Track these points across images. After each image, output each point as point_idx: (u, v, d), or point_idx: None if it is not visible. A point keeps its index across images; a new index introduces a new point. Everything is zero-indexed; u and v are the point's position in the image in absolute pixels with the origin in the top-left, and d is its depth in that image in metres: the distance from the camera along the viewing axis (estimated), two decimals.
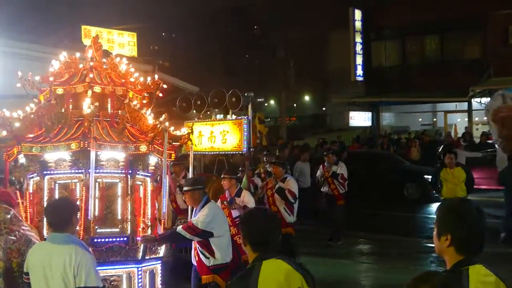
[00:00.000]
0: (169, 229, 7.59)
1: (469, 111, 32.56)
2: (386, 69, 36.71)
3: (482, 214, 3.57)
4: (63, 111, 6.88)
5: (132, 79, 7.41)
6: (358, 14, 35.94)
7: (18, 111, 6.73)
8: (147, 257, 6.94)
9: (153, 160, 7.07)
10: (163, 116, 7.33)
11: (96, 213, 6.50)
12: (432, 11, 31.98)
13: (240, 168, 12.88)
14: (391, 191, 21.00)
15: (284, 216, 11.38)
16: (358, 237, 15.53)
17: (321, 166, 14.90)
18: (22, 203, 6.81)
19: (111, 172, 6.71)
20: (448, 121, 35.93)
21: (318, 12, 37.53)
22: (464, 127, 30.68)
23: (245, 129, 11.69)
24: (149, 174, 7.10)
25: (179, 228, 7.35)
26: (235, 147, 11.92)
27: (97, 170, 6.48)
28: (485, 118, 17.40)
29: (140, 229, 6.83)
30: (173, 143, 7.38)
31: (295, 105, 55.63)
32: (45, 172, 6.57)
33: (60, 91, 6.93)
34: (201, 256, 7.71)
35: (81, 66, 7.23)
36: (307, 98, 57.01)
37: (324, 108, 49.27)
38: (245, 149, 11.78)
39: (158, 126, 6.91)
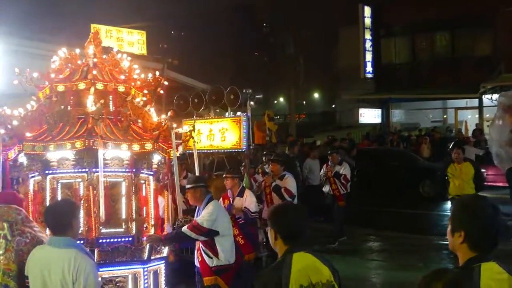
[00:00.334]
0: (173, 230, 7.50)
1: (480, 107, 32.38)
2: (396, 65, 36.52)
3: (497, 211, 3.55)
4: (64, 108, 6.74)
5: (135, 76, 7.30)
6: (367, 10, 35.82)
7: (19, 109, 6.63)
8: (152, 257, 6.84)
9: (156, 158, 6.96)
10: (169, 113, 7.24)
11: (101, 213, 6.38)
12: (442, 7, 31.79)
13: (242, 164, 12.75)
14: (406, 188, 20.84)
15: None
16: (369, 234, 15.45)
17: (325, 165, 14.72)
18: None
19: (115, 171, 6.58)
20: (458, 117, 35.74)
21: (328, 9, 37.46)
22: (475, 124, 30.48)
23: (244, 127, 11.54)
24: (152, 173, 6.99)
25: (184, 228, 7.24)
26: (235, 144, 11.79)
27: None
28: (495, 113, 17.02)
29: (144, 228, 6.74)
30: (176, 141, 7.26)
31: (304, 102, 55.69)
32: (47, 172, 6.45)
33: (61, 88, 6.79)
34: (204, 256, 7.61)
35: (79, 62, 7.11)
36: (316, 95, 57.00)
37: (333, 105, 49.13)
38: (244, 147, 11.65)
39: (163, 123, 6.82)
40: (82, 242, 5.78)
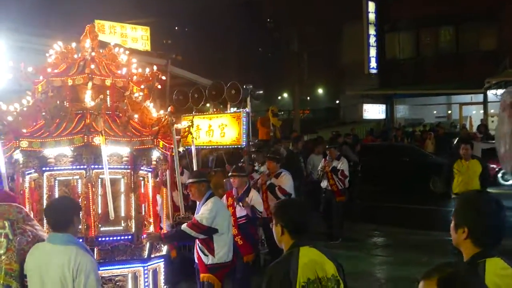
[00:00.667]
0: (173, 228, 7.42)
1: (485, 103, 32.23)
2: (400, 61, 36.41)
3: (501, 207, 3.55)
4: (60, 103, 6.58)
5: (134, 70, 7.19)
6: (371, 6, 35.70)
7: (15, 104, 6.52)
8: (152, 256, 6.74)
9: (155, 154, 6.84)
10: (169, 108, 7.15)
11: (99, 211, 6.31)
12: (447, 2, 31.64)
13: (242, 160, 12.65)
14: (416, 184, 20.73)
15: None
16: (373, 230, 15.44)
17: (323, 160, 14.59)
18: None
19: (114, 168, 6.46)
20: (463, 113, 35.69)
21: (332, 4, 37.29)
22: (480, 119, 30.39)
23: (244, 123, 11.42)
24: (151, 170, 6.88)
25: (184, 226, 7.17)
26: (234, 140, 11.67)
27: (100, 166, 6.23)
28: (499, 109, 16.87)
29: (143, 226, 6.65)
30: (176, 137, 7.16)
31: (308, 98, 55.54)
32: (44, 168, 6.33)
33: (58, 82, 6.66)
34: (200, 253, 7.55)
35: (76, 56, 6.99)
36: (320, 91, 56.92)
37: (337, 101, 49.11)
38: (244, 143, 11.53)
39: (163, 119, 6.72)
40: (80, 240, 5.70)
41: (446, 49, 35.00)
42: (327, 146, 15.12)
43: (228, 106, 12.49)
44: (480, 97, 32.39)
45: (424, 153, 23.20)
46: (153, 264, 6.80)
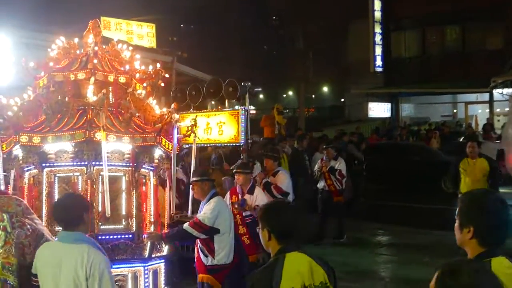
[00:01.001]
0: (175, 227, 7.32)
1: (491, 102, 32.18)
2: (406, 59, 36.27)
3: (506, 206, 3.50)
4: (62, 99, 6.45)
5: (137, 67, 7.11)
6: (377, 4, 35.59)
7: (16, 99, 6.44)
8: (153, 256, 6.66)
9: (157, 152, 6.75)
10: (172, 105, 7.08)
11: (100, 209, 6.24)
12: (453, 0, 31.50)
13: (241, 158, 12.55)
14: (428, 183, 20.57)
15: None
16: (378, 228, 15.40)
17: (319, 160, 14.34)
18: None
19: (115, 165, 6.38)
20: (468, 112, 35.65)
21: (337, 2, 37.20)
22: (486, 118, 30.29)
23: (242, 120, 11.32)
24: (153, 168, 6.79)
25: (186, 226, 7.05)
26: (232, 138, 11.54)
27: (101, 163, 6.13)
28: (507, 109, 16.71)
29: (144, 225, 6.58)
30: (178, 135, 7.08)
31: (313, 96, 55.53)
32: (44, 164, 6.25)
33: (60, 77, 6.59)
34: (200, 253, 7.45)
35: (78, 52, 6.92)
36: (325, 89, 56.93)
37: (342, 99, 49.02)
38: (242, 141, 11.43)
39: (166, 116, 6.65)
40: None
41: (451, 47, 34.85)
42: (324, 146, 14.65)
43: (226, 103, 12.38)
44: (486, 96, 32.32)
45: (435, 151, 22.95)
46: (154, 264, 6.73)
